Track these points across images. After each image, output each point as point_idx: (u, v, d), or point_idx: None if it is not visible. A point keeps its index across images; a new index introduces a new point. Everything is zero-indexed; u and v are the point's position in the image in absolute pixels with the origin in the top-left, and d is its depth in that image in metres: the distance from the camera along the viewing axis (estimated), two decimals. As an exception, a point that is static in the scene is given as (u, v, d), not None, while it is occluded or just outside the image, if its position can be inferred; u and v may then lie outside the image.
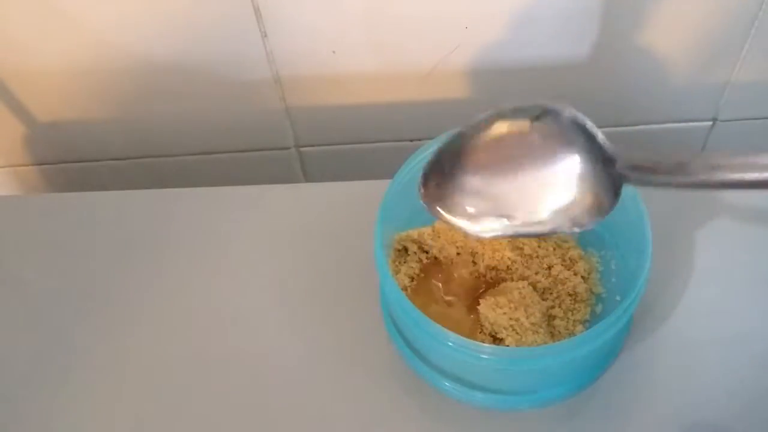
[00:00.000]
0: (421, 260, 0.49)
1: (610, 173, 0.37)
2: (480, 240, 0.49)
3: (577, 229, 0.38)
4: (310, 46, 0.59)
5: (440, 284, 0.48)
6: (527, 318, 0.45)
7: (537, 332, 0.45)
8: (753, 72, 0.61)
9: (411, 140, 0.67)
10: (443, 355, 0.44)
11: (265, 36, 0.58)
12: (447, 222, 0.40)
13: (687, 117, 0.66)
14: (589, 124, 0.38)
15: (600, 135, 0.38)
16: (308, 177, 0.71)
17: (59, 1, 0.55)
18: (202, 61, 0.60)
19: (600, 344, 0.43)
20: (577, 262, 0.50)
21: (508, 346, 0.44)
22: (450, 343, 0.42)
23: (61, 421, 0.48)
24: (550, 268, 0.50)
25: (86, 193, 0.60)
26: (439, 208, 0.40)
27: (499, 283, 0.48)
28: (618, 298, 0.49)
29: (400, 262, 0.50)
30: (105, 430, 0.48)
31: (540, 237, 0.51)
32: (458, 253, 0.49)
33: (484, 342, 0.45)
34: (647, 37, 0.58)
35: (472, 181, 0.40)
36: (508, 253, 0.49)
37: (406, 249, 0.50)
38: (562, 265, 0.50)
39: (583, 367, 0.46)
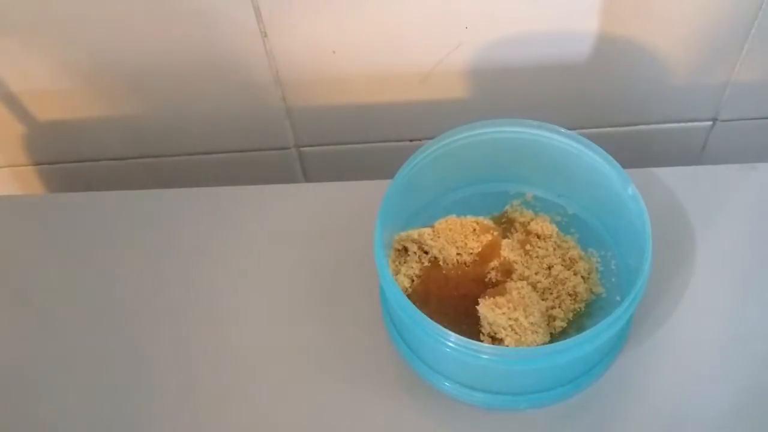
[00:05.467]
0: (421, 260, 0.49)
1: None
2: (479, 240, 0.49)
3: None
4: (310, 46, 0.59)
5: (440, 284, 0.48)
6: (526, 318, 0.45)
7: (536, 332, 0.45)
8: (753, 72, 0.61)
9: (411, 140, 0.67)
10: (443, 355, 0.44)
11: (265, 36, 0.58)
12: None
13: (687, 117, 0.66)
14: None
15: None
16: (308, 177, 0.71)
17: (59, 2, 0.55)
18: (202, 60, 0.60)
19: (600, 344, 0.43)
20: (577, 262, 0.50)
21: (507, 346, 0.44)
22: (450, 343, 0.42)
23: (60, 420, 0.48)
24: (550, 268, 0.50)
25: (86, 193, 0.61)
26: None
27: (498, 284, 0.48)
28: (618, 298, 0.49)
29: (400, 262, 0.50)
30: (105, 428, 0.48)
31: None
32: (458, 254, 0.49)
33: (483, 342, 0.45)
34: (647, 37, 0.58)
35: None
36: (508, 254, 0.49)
37: (406, 249, 0.50)
38: (562, 265, 0.50)
39: (583, 367, 0.46)
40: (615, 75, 0.62)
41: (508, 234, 0.52)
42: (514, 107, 0.64)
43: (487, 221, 0.51)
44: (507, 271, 0.49)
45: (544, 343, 0.46)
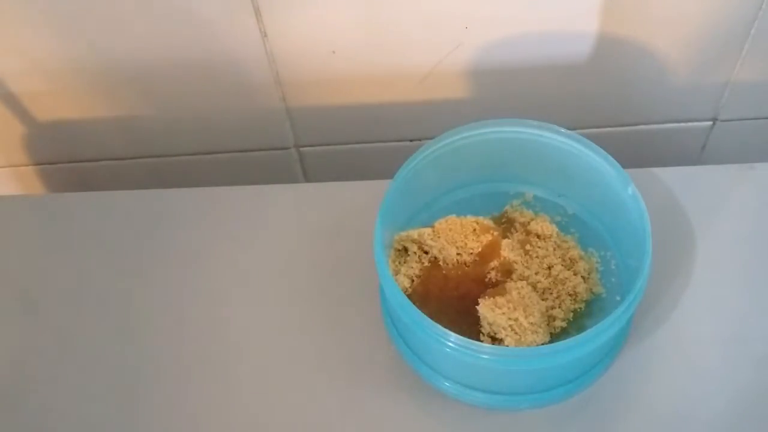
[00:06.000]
0: (421, 260, 0.49)
1: None
2: (479, 240, 0.49)
3: None
4: (310, 46, 0.59)
5: (440, 284, 0.48)
6: (526, 318, 0.45)
7: (536, 332, 0.45)
8: (753, 72, 0.61)
9: (411, 140, 0.67)
10: (443, 355, 0.44)
11: (265, 36, 0.58)
12: None
13: (687, 117, 0.66)
14: None
15: None
16: (308, 177, 0.71)
17: (60, 2, 0.55)
18: (202, 61, 0.60)
19: (600, 344, 0.43)
20: (577, 262, 0.50)
21: (507, 346, 0.44)
22: (450, 343, 0.42)
23: (60, 420, 0.48)
24: (550, 268, 0.50)
25: (86, 193, 0.60)
26: None
27: (498, 284, 0.48)
28: (618, 298, 0.49)
29: (400, 262, 0.50)
30: (104, 427, 0.48)
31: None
32: (458, 254, 0.49)
33: (483, 342, 0.45)
34: (647, 38, 0.58)
35: None
36: (508, 254, 0.49)
37: (406, 249, 0.50)
38: (562, 265, 0.50)
39: (583, 367, 0.46)
40: (615, 75, 0.62)
41: (508, 234, 0.52)
42: (514, 107, 0.64)
43: (487, 221, 0.51)
44: (507, 271, 0.49)
45: (544, 343, 0.46)
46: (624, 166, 0.48)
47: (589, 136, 0.49)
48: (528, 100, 0.63)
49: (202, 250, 0.55)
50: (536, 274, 0.49)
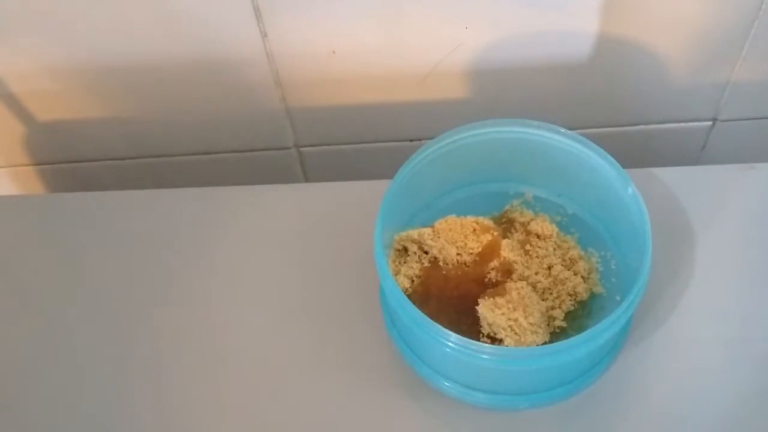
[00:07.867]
0: (421, 260, 0.49)
1: None
2: (479, 240, 0.49)
3: None
4: (310, 46, 0.59)
5: (440, 284, 0.48)
6: (526, 318, 0.45)
7: (536, 332, 0.45)
8: (753, 72, 0.61)
9: (411, 140, 0.67)
10: (443, 355, 0.44)
11: (265, 36, 0.58)
12: None
13: (687, 117, 0.66)
14: None
15: None
16: (308, 177, 0.71)
17: (60, 2, 0.55)
18: (202, 61, 0.60)
19: (600, 344, 0.43)
20: (577, 262, 0.50)
21: (507, 346, 0.44)
22: (450, 343, 0.42)
23: (60, 421, 0.48)
24: (550, 268, 0.50)
25: (86, 193, 0.60)
26: None
27: (498, 284, 0.48)
28: (618, 298, 0.49)
29: (400, 263, 0.50)
30: (103, 427, 0.48)
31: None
32: (458, 254, 0.49)
33: (483, 342, 0.45)
34: (647, 37, 0.58)
35: None
36: (508, 254, 0.49)
37: (406, 249, 0.50)
38: (562, 265, 0.50)
39: (582, 367, 0.46)
40: (615, 75, 0.62)
41: (508, 234, 0.52)
42: (514, 107, 0.64)
43: (487, 221, 0.51)
44: (507, 271, 0.49)
45: (544, 343, 0.46)
46: (624, 166, 0.48)
47: (589, 136, 0.49)
48: (528, 100, 0.63)
49: (202, 250, 0.55)
50: (536, 274, 0.49)
